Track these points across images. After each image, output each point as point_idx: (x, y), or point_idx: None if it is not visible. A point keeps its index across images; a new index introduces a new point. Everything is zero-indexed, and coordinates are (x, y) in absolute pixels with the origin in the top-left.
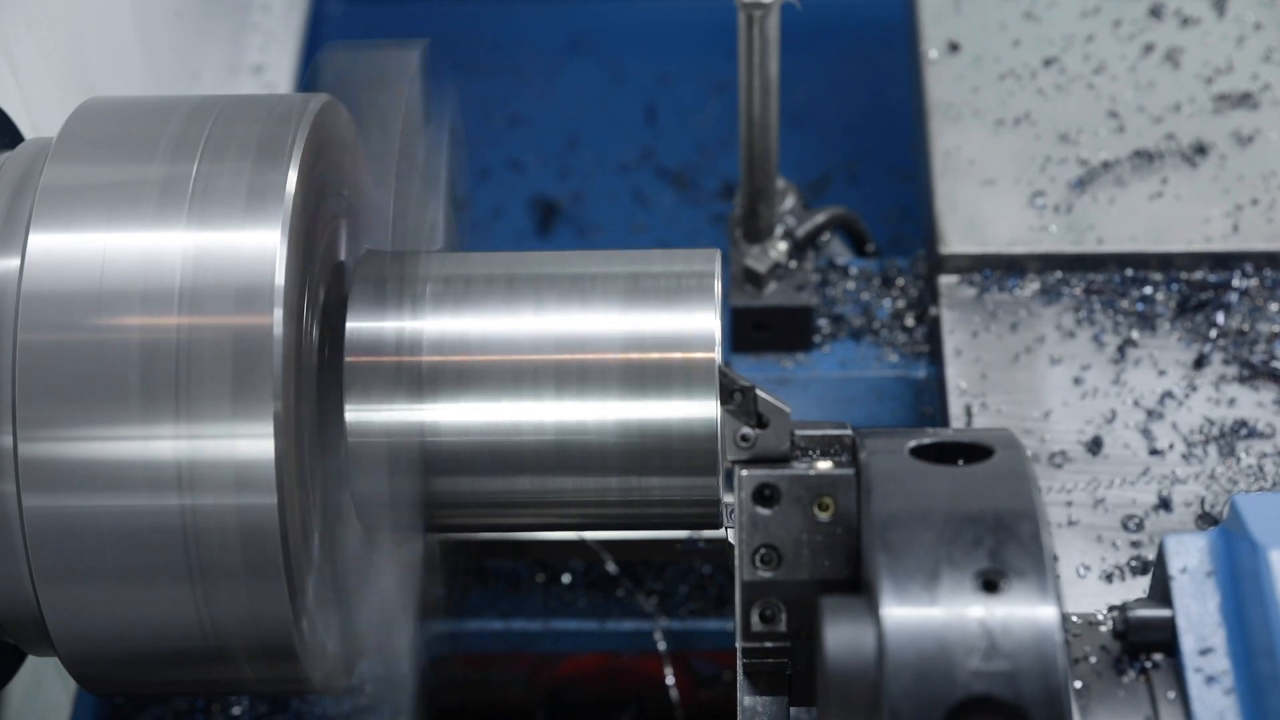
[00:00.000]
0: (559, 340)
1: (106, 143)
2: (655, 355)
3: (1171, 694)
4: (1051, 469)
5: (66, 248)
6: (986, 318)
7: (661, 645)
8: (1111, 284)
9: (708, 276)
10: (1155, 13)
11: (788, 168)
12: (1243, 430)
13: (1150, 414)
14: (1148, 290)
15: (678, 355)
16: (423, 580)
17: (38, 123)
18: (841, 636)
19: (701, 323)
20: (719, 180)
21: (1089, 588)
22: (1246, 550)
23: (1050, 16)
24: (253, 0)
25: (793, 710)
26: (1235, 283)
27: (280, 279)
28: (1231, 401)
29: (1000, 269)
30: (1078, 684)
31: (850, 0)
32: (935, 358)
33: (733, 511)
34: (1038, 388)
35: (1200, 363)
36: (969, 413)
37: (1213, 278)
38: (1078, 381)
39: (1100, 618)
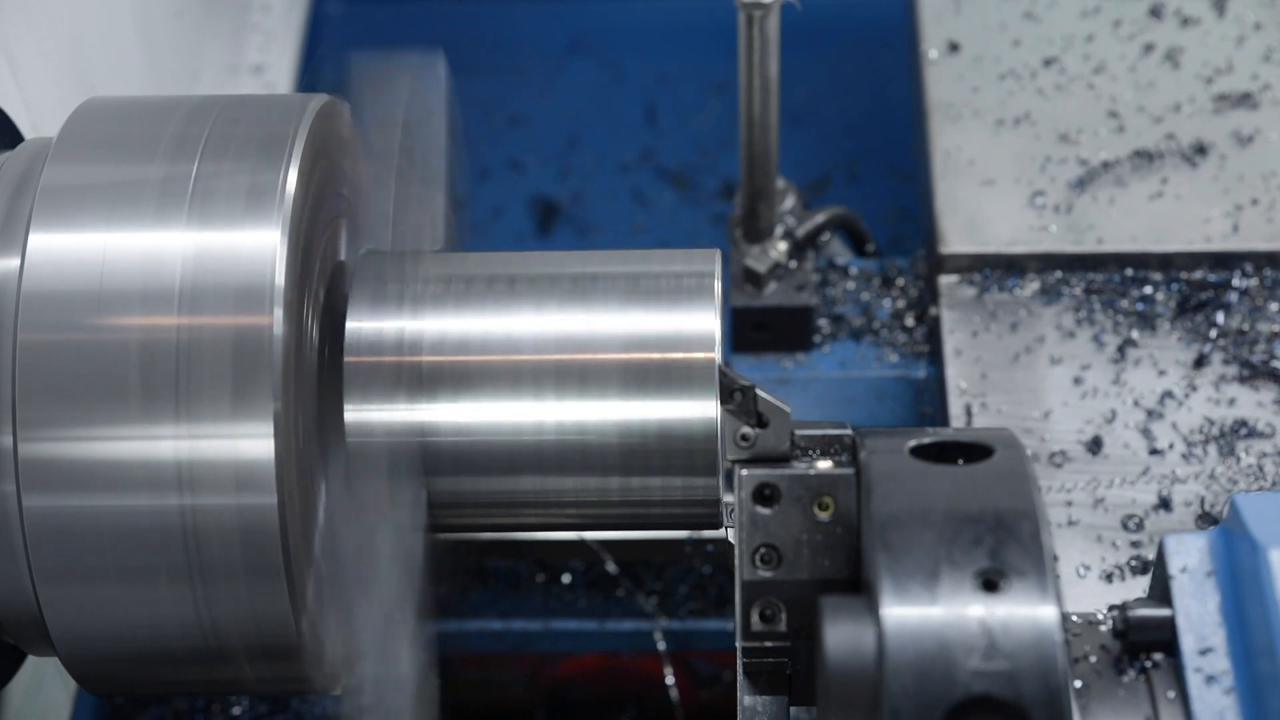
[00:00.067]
0: (559, 340)
1: (106, 143)
2: (655, 355)
3: (1171, 694)
4: (1051, 469)
5: (66, 248)
6: (986, 318)
7: (661, 645)
8: (1111, 284)
9: (708, 276)
10: (1155, 13)
11: (788, 168)
12: (1243, 430)
13: (1150, 414)
14: (1148, 290)
15: (678, 355)
16: (423, 580)
17: (38, 123)
18: (841, 636)
19: (701, 323)
20: (719, 180)
21: (1089, 587)
22: (1246, 550)
23: (1050, 16)
24: (253, 0)
25: (793, 710)
26: (1235, 283)
27: (280, 279)
28: (1231, 401)
29: (1000, 269)
30: (1078, 683)
31: (850, 0)
32: (935, 358)
33: (733, 511)
34: (1038, 388)
35: (1200, 362)
36: (969, 412)
37: (1213, 278)
38: (1078, 381)
39: (1100, 617)
